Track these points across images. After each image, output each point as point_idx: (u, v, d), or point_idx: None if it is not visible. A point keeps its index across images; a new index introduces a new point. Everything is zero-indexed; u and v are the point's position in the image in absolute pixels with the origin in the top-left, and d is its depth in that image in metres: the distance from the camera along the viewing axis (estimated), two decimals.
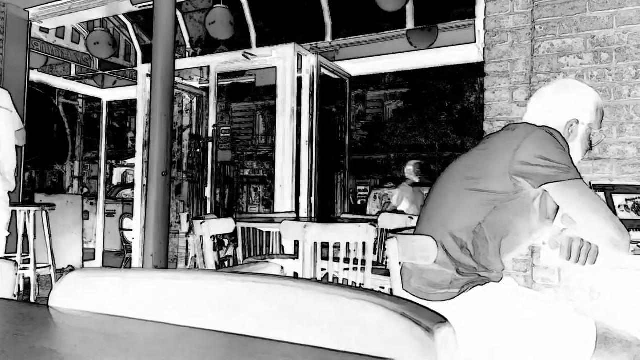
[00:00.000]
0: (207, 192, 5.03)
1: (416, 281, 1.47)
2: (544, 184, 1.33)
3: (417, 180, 5.10)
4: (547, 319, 1.34)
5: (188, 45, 6.47)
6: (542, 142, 1.34)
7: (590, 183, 1.80)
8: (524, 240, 1.47)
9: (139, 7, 4.47)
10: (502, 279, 1.44)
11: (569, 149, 1.42)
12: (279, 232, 2.75)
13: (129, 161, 16.89)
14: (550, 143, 1.35)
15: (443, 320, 0.45)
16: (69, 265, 5.45)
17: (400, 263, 1.54)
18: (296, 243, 3.48)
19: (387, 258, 1.57)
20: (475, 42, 4.51)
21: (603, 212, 1.31)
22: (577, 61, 2.63)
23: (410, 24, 4.86)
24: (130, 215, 5.57)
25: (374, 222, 2.58)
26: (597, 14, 2.59)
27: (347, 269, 2.60)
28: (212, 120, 4.92)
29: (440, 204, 1.50)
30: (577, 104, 1.50)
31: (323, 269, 2.71)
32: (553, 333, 1.31)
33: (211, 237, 2.66)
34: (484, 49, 2.99)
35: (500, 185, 1.37)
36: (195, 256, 2.89)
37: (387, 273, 1.63)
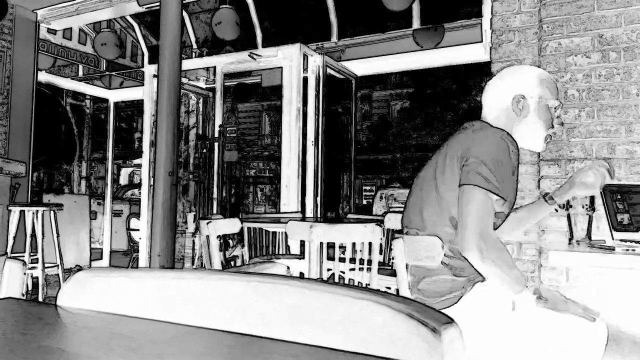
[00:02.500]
0: (214, 192, 5.04)
1: (416, 293, 1.46)
2: (462, 185, 1.34)
3: None
4: (557, 319, 1.32)
5: (194, 46, 6.49)
6: (485, 146, 1.35)
7: None
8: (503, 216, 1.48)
9: (146, 8, 4.49)
10: None
11: (518, 150, 1.41)
12: (285, 232, 2.75)
13: (136, 161, 16.98)
14: (494, 151, 1.34)
15: (450, 320, 0.45)
16: (76, 265, 5.48)
17: (407, 265, 1.53)
18: (302, 243, 3.48)
19: (393, 258, 1.56)
20: (481, 41, 4.49)
21: (474, 228, 1.29)
22: (585, 60, 2.61)
23: (416, 23, 4.85)
24: (137, 215, 5.60)
25: (380, 222, 2.57)
26: (605, 13, 2.57)
27: (353, 269, 2.60)
28: (218, 120, 4.94)
29: (420, 208, 1.50)
30: (519, 80, 1.52)
31: (329, 269, 2.70)
32: (563, 334, 1.30)
33: (217, 237, 2.66)
34: (490, 48, 2.98)
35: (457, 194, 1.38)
36: (202, 256, 2.90)
37: (394, 273, 1.62)
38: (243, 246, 3.28)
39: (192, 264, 5.49)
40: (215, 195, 5.02)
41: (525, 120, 1.48)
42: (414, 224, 1.51)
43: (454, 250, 1.41)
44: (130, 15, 5.77)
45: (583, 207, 1.58)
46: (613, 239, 1.67)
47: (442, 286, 1.40)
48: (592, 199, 1.72)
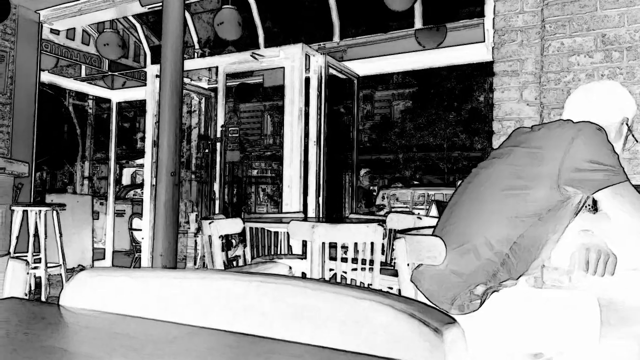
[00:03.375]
0: (216, 192, 5.05)
1: (437, 291, 1.42)
2: (597, 191, 1.29)
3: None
4: (550, 303, 1.35)
5: (197, 46, 6.50)
6: (593, 143, 1.30)
7: None
8: (555, 243, 1.43)
9: (148, 9, 4.50)
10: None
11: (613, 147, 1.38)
12: (287, 232, 2.75)
13: (139, 161, 17.02)
14: (601, 142, 1.30)
15: (452, 321, 0.45)
16: (79, 265, 5.49)
17: (408, 265, 1.53)
18: (304, 243, 3.48)
19: (395, 258, 1.56)
20: (484, 41, 4.49)
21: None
22: (588, 60, 2.60)
23: (418, 23, 4.84)
24: (140, 215, 5.61)
25: (382, 222, 2.57)
26: (608, 13, 2.57)
27: (355, 269, 2.60)
28: (220, 120, 4.94)
29: (475, 210, 1.43)
30: (628, 102, 1.50)
31: (331, 269, 2.70)
32: (558, 315, 1.32)
33: (219, 237, 2.67)
34: (493, 48, 2.98)
35: (548, 196, 1.32)
36: (204, 256, 2.91)
37: (396, 273, 1.62)
38: (245, 246, 3.28)
39: (195, 264, 5.50)
40: (217, 195, 5.02)
41: (617, 144, 1.47)
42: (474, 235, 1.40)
43: (518, 247, 1.35)
44: (133, 16, 5.78)
45: (585, 206, 1.58)
46: None
47: (458, 291, 1.38)
48: (594, 198, 1.72)
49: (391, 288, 2.65)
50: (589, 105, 1.50)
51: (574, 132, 1.32)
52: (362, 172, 5.70)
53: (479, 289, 1.34)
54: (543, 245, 1.38)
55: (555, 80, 2.67)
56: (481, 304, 1.34)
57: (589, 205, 1.73)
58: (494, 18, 2.94)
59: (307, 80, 4.60)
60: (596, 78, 2.58)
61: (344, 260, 2.57)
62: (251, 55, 4.80)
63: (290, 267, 2.94)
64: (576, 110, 1.51)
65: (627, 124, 1.52)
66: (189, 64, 4.99)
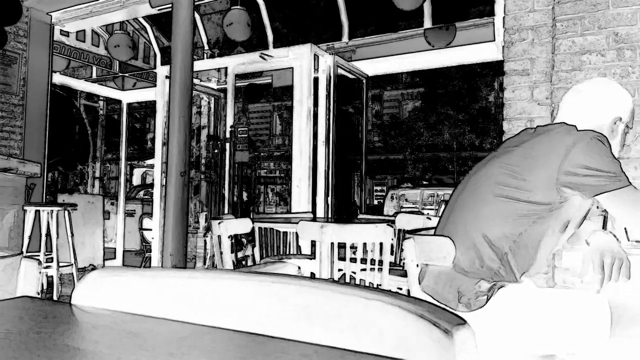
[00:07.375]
0: (225, 192, 5.07)
1: (443, 288, 1.43)
2: (596, 195, 1.31)
3: None
4: (561, 303, 1.35)
5: (206, 47, 6.53)
6: (591, 151, 1.31)
7: None
8: (561, 241, 1.44)
9: (158, 10, 4.53)
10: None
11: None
12: (296, 232, 2.76)
13: (149, 162, 17.14)
14: (599, 151, 1.32)
15: (462, 322, 0.45)
16: (90, 264, 5.54)
17: (417, 265, 1.53)
18: (313, 243, 3.48)
19: (404, 259, 1.56)
20: (494, 40, 4.45)
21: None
22: (600, 59, 2.57)
23: (427, 23, 4.82)
24: (150, 215, 5.65)
25: (391, 223, 2.56)
26: (621, 10, 2.53)
27: (364, 270, 2.59)
28: (229, 120, 4.96)
29: (474, 208, 1.45)
30: (619, 101, 1.49)
31: (340, 270, 2.70)
32: (571, 312, 1.32)
33: (229, 237, 2.68)
34: (503, 47, 2.95)
35: (545, 197, 1.34)
36: (213, 256, 2.92)
37: (405, 274, 1.61)
38: (254, 246, 3.29)
39: (204, 263, 5.52)
40: (226, 195, 5.04)
41: (612, 143, 1.46)
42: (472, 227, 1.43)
43: (517, 245, 1.36)
44: (143, 17, 5.82)
45: (597, 207, 1.57)
46: (629, 240, 1.64)
47: (468, 288, 1.38)
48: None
49: (400, 289, 2.64)
50: (579, 106, 1.51)
51: (575, 139, 1.34)
52: None
53: (483, 284, 1.36)
54: (542, 245, 1.39)
55: (566, 79, 2.65)
56: (487, 300, 1.34)
57: (603, 210, 1.72)
58: (504, 17, 2.92)
59: (316, 80, 4.60)
60: (608, 77, 2.55)
61: (353, 260, 2.57)
62: (260, 56, 4.81)
63: (299, 267, 2.94)
64: (568, 112, 1.52)
65: (626, 125, 1.51)
66: (198, 65, 5.02)
